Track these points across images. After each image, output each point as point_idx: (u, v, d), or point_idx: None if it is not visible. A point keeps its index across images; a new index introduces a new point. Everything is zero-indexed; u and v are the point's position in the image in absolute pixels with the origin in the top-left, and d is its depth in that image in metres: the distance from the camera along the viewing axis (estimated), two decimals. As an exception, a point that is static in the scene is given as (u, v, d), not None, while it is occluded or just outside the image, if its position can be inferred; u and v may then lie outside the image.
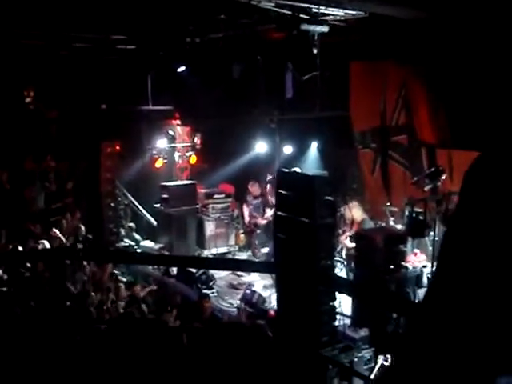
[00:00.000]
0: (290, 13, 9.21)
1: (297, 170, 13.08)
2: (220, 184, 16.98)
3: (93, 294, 10.08)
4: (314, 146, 15.37)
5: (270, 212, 14.82)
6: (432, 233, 10.53)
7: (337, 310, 10.35)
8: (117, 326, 8.73)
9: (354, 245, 12.06)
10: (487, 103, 11.57)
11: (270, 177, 15.51)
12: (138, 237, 15.75)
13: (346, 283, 4.39)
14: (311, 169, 14.33)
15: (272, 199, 14.22)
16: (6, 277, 10.03)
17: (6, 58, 13.57)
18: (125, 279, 12.24)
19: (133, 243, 15.55)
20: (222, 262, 6.00)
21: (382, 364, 8.81)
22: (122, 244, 15.43)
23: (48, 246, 12.14)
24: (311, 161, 15.22)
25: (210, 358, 6.49)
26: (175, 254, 13.86)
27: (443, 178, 10.82)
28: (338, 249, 12.77)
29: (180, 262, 6.02)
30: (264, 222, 15.40)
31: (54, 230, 13.10)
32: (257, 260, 13.44)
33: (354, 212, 13.37)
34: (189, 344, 7.13)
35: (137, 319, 8.66)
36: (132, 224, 16.18)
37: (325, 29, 9.52)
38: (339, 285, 4.34)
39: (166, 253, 14.40)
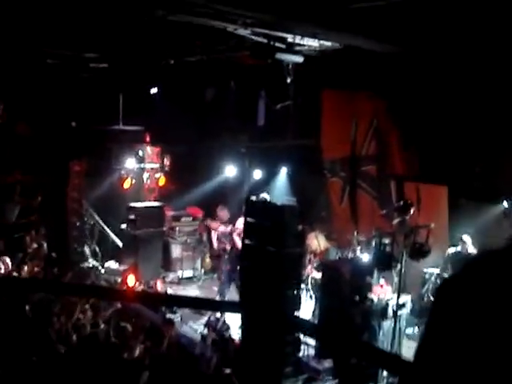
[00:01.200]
0: (265, 41, 9.20)
1: (265, 196, 13.06)
2: (188, 207, 16.88)
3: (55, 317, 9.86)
4: (283, 172, 15.37)
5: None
6: (399, 265, 10.54)
7: (301, 340, 10.33)
8: (78, 349, 8.58)
9: (319, 275, 12.04)
10: (456, 138, 11.72)
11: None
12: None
13: (310, 327, 4.32)
14: (280, 195, 14.30)
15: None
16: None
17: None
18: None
19: (97, 264, 15.33)
20: (185, 299, 5.89)
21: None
22: (86, 264, 15.20)
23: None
24: (280, 187, 15.20)
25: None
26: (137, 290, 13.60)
27: (411, 211, 10.86)
28: (304, 277, 12.74)
29: (145, 299, 5.89)
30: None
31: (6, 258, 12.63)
32: (220, 299, 13.27)
33: (319, 240, 13.40)
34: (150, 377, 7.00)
35: (100, 344, 8.49)
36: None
37: (299, 59, 9.54)
38: (302, 327, 4.28)
39: (131, 274, 14.19)
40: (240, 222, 13.44)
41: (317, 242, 13.51)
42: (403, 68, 11.24)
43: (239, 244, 13.16)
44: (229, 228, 14.12)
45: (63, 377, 7.31)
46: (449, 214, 12.40)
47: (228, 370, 8.57)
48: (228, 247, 14.91)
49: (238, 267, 12.87)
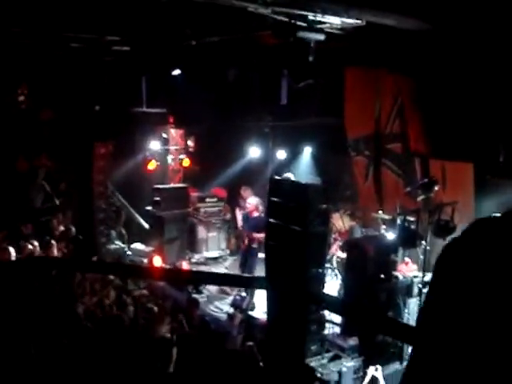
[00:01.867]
0: (286, 20, 9.15)
1: (289, 176, 13.04)
2: (212, 188, 16.93)
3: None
4: (307, 152, 15.34)
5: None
6: (424, 243, 10.50)
7: (326, 319, 10.37)
8: (105, 328, 8.68)
9: (344, 254, 12.04)
10: (480, 115, 11.58)
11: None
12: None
13: (334, 302, 4.35)
14: (304, 175, 14.30)
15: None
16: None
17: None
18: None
19: (123, 245, 15.48)
20: (211, 276, 5.95)
21: (372, 376, 8.76)
22: (113, 246, 15.36)
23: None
24: (304, 167, 15.19)
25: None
26: (165, 266, 13.71)
27: (436, 188, 10.80)
28: (329, 257, 12.76)
29: (169, 276, 5.95)
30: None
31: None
32: (246, 275, 13.34)
33: (344, 220, 13.38)
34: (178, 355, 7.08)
35: (126, 324, 8.60)
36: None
37: (321, 37, 9.47)
38: (328, 303, 4.30)
39: (157, 256, 14.31)
40: (251, 199, 13.51)
41: (341, 221, 13.51)
42: (427, 45, 11.11)
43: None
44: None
45: (93, 354, 7.42)
46: (475, 191, 12.30)
47: (250, 343, 8.64)
48: None
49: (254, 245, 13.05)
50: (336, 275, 13.10)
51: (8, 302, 6.81)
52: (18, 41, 12.75)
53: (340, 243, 13.21)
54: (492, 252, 1.47)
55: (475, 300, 1.44)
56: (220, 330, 9.90)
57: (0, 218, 13.35)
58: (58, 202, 15.47)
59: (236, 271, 14.41)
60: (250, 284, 7.10)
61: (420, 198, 10.89)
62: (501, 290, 1.41)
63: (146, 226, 16.20)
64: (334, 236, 13.65)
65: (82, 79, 14.92)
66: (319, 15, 9.01)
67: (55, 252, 12.57)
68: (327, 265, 12.16)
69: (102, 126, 15.20)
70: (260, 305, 11.76)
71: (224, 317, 11.83)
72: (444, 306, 1.51)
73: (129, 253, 15.21)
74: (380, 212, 13.11)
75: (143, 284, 11.74)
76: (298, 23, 9.20)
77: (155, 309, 9.73)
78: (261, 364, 7.96)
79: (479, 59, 10.77)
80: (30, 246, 12.28)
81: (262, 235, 12.27)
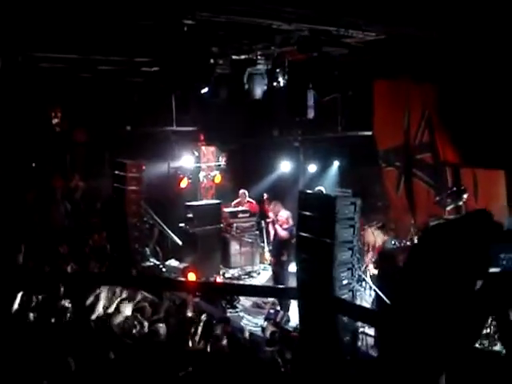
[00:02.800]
0: (310, 35, 9.28)
1: (321, 189, 13.12)
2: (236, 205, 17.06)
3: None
4: (336, 165, 15.43)
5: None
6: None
7: (360, 330, 10.38)
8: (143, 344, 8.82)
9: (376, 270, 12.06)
10: (509, 120, 11.54)
11: (265, 196, 15.66)
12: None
13: (363, 312, 4.42)
14: (334, 187, 14.38)
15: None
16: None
17: (33, 80, 13.84)
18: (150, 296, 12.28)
19: (158, 262, 15.66)
20: (244, 288, 6.06)
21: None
22: (148, 263, 15.54)
23: None
24: (335, 179, 15.27)
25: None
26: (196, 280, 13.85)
27: (465, 196, 10.79)
28: (363, 269, 12.74)
29: (201, 288, 6.08)
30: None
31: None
32: (279, 286, 13.43)
33: (376, 236, 13.32)
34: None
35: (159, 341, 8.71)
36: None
37: (345, 50, 9.59)
38: (357, 314, 4.38)
39: (191, 272, 14.45)
40: (283, 213, 13.65)
41: (373, 236, 13.45)
42: (454, 54, 11.14)
43: (281, 233, 13.44)
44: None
45: (133, 370, 7.54)
46: (507, 199, 12.23)
47: (271, 349, 8.70)
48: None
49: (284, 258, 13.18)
50: (370, 287, 13.08)
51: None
52: (50, 65, 13.08)
53: (372, 258, 13.17)
54: (442, 250, 1.72)
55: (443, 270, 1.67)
56: (252, 343, 9.96)
57: (36, 239, 13.64)
58: (93, 221, 15.74)
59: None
60: (282, 295, 7.19)
61: (449, 208, 10.88)
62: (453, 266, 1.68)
63: (180, 242, 16.36)
64: (365, 248, 13.63)
65: (113, 100, 15.23)
66: (342, 29, 9.12)
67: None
68: (360, 276, 12.16)
69: (134, 146, 15.46)
70: (295, 318, 11.79)
71: (258, 330, 11.90)
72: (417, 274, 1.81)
73: (163, 270, 15.37)
74: (412, 222, 13.09)
75: (178, 300, 11.86)
76: (322, 37, 9.32)
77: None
78: (282, 370, 8.00)
79: (504, 65, 10.76)
80: (67, 267, 12.50)
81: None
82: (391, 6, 7.91)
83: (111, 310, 9.85)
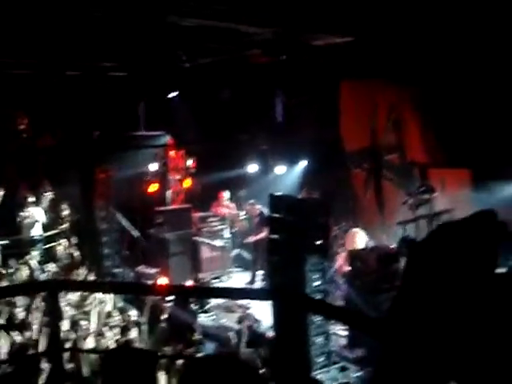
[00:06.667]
0: (277, 39, 9.32)
1: (288, 192, 13.17)
2: (215, 207, 17.02)
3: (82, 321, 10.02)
4: (304, 167, 15.52)
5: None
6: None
7: (332, 331, 10.42)
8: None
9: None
10: (478, 122, 11.70)
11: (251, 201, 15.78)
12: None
13: (336, 311, 4.44)
14: (302, 190, 14.46)
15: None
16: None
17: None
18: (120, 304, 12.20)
19: (128, 268, 15.54)
20: (217, 290, 6.06)
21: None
22: (118, 270, 15.42)
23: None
24: (302, 181, 15.33)
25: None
26: (168, 283, 13.78)
27: (433, 196, 10.91)
28: (333, 269, 12.80)
29: (172, 291, 6.07)
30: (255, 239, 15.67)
31: None
32: (251, 287, 13.46)
33: (357, 239, 13.25)
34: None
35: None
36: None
37: (311, 54, 9.64)
38: (330, 313, 4.40)
39: (162, 277, 14.38)
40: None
41: (354, 240, 13.37)
42: (420, 54, 11.26)
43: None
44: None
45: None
46: (473, 198, 12.38)
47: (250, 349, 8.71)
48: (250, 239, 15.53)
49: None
50: (340, 287, 13.13)
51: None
52: (15, 71, 12.95)
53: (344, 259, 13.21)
54: (450, 250, 1.68)
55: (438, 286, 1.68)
56: (226, 346, 9.97)
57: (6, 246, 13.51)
58: (62, 229, 15.57)
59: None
60: (253, 296, 7.19)
61: (418, 207, 11.00)
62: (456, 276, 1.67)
63: (150, 248, 16.26)
64: (337, 250, 13.68)
65: (81, 106, 15.10)
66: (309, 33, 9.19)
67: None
68: (332, 278, 12.21)
69: (102, 152, 15.35)
70: (266, 321, 11.80)
71: (231, 334, 11.88)
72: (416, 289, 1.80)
73: (134, 275, 15.26)
74: (382, 222, 13.19)
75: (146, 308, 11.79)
76: (289, 41, 9.36)
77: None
78: (261, 371, 8.00)
79: (474, 67, 10.92)
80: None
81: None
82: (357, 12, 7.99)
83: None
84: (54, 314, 4.75)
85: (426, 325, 1.74)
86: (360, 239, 12.95)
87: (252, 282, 15.33)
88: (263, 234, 14.98)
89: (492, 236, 1.74)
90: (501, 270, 3.02)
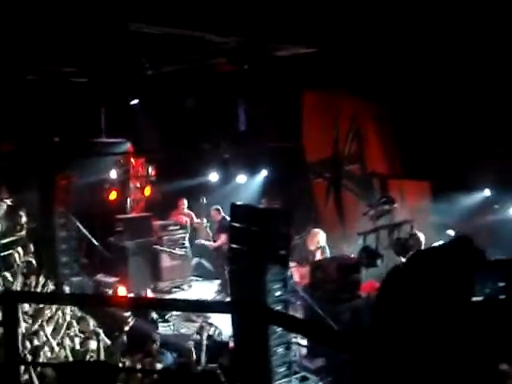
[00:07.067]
0: (240, 48, 9.33)
1: (250, 201, 13.17)
2: (175, 215, 16.95)
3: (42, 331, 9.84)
4: (265, 176, 15.57)
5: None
6: (384, 261, 10.68)
7: (293, 341, 10.42)
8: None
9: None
10: (437, 134, 11.88)
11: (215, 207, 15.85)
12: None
13: (297, 323, 4.45)
14: (263, 199, 14.50)
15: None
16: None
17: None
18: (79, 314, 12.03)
19: (87, 277, 15.34)
20: (177, 303, 6.01)
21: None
22: (76, 278, 15.20)
23: None
24: (263, 191, 15.37)
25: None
26: (126, 295, 13.65)
27: (393, 207, 11.03)
28: (294, 279, 12.81)
29: (130, 304, 6.01)
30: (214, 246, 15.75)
31: None
32: (212, 300, 13.40)
33: (319, 238, 13.25)
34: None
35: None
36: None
37: (274, 64, 9.68)
38: (290, 324, 4.40)
39: (121, 286, 14.23)
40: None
41: (316, 239, 13.34)
42: (381, 66, 11.39)
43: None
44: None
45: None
46: (433, 208, 12.56)
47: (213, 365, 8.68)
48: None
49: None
50: (300, 297, 13.15)
51: None
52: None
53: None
54: (425, 278, 1.71)
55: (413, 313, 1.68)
56: (185, 357, 9.91)
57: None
58: (20, 235, 15.29)
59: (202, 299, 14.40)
60: (213, 309, 7.14)
61: (378, 217, 11.10)
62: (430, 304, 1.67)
63: (110, 256, 16.08)
64: (296, 259, 13.70)
65: (41, 111, 14.89)
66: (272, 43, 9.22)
67: (18, 287, 12.41)
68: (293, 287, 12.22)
69: (62, 158, 15.15)
70: (227, 330, 11.77)
71: (191, 344, 11.81)
72: (389, 316, 1.78)
73: (93, 284, 15.07)
74: (342, 233, 13.27)
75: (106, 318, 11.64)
76: (253, 51, 9.38)
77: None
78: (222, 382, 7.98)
79: (432, 80, 11.09)
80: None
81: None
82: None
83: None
84: (11, 327, 4.64)
85: (401, 350, 1.76)
86: (321, 239, 12.99)
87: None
88: (221, 241, 15.07)
89: (469, 264, 1.77)
90: (477, 299, 3.07)
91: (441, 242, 12.00)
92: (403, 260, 10.07)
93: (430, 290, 1.68)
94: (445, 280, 1.69)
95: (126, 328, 10.44)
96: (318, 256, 12.77)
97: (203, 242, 16.61)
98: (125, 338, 10.37)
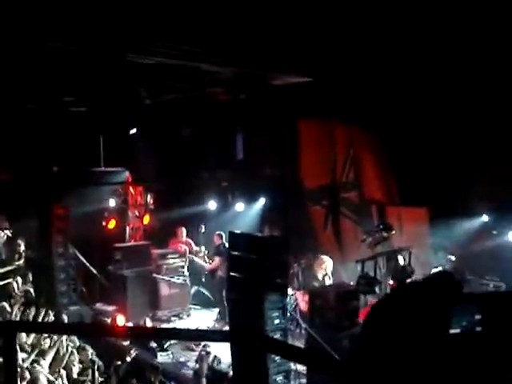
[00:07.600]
0: (237, 78, 9.43)
1: (248, 229, 13.19)
2: (174, 243, 16.94)
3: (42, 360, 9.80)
4: (264, 204, 15.61)
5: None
6: (383, 288, 10.68)
7: (292, 369, 10.38)
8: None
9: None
10: (433, 162, 11.95)
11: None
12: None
13: (296, 352, 4.45)
14: (261, 227, 14.53)
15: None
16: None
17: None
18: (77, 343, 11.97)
19: (85, 306, 15.29)
20: (177, 332, 6.00)
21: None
22: (75, 307, 15.15)
23: None
24: (263, 219, 15.39)
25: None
26: (126, 324, 13.60)
27: (391, 233, 11.05)
28: (293, 307, 12.78)
29: (130, 333, 6.00)
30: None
31: None
32: (211, 329, 13.37)
33: (327, 265, 13.14)
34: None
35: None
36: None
37: (270, 93, 9.77)
38: (289, 353, 4.40)
39: (120, 315, 14.18)
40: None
41: (323, 266, 13.23)
42: (375, 95, 11.50)
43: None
44: None
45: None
46: (431, 234, 12.59)
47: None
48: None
49: None
50: (300, 325, 13.10)
51: None
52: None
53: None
54: (405, 311, 1.78)
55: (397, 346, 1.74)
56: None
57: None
58: (18, 264, 15.29)
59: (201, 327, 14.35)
60: (212, 338, 7.14)
61: (376, 244, 11.12)
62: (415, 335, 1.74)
63: (108, 285, 16.05)
64: (297, 287, 13.68)
65: (40, 140, 14.98)
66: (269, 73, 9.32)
67: (17, 317, 12.38)
68: (291, 315, 12.18)
69: (61, 187, 15.19)
70: (226, 359, 11.71)
71: (190, 373, 11.75)
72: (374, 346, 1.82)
73: (91, 313, 15.02)
74: (340, 260, 13.25)
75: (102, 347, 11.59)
76: (248, 80, 9.48)
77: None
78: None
79: (426, 109, 11.19)
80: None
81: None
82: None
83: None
84: (9, 357, 4.64)
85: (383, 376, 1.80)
86: (328, 266, 12.94)
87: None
88: (215, 264, 15.12)
89: (447, 298, 1.83)
90: (454, 331, 3.10)
91: (439, 268, 12.12)
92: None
93: (409, 322, 1.74)
94: (423, 313, 1.75)
95: (128, 358, 10.36)
96: (327, 282, 12.72)
97: (196, 259, 16.54)
98: (126, 367, 10.30)
